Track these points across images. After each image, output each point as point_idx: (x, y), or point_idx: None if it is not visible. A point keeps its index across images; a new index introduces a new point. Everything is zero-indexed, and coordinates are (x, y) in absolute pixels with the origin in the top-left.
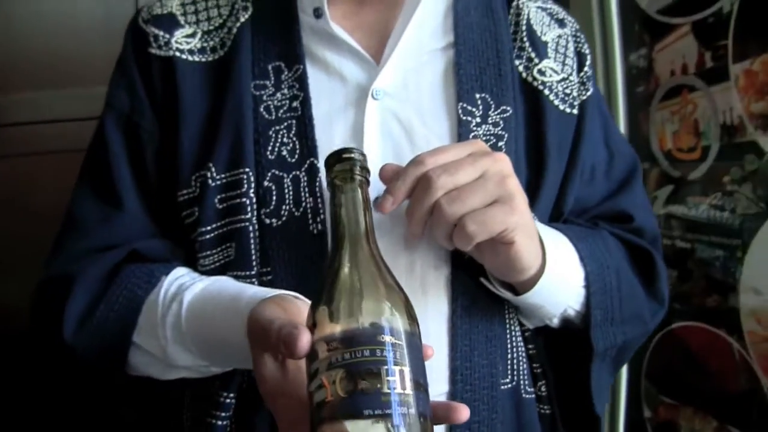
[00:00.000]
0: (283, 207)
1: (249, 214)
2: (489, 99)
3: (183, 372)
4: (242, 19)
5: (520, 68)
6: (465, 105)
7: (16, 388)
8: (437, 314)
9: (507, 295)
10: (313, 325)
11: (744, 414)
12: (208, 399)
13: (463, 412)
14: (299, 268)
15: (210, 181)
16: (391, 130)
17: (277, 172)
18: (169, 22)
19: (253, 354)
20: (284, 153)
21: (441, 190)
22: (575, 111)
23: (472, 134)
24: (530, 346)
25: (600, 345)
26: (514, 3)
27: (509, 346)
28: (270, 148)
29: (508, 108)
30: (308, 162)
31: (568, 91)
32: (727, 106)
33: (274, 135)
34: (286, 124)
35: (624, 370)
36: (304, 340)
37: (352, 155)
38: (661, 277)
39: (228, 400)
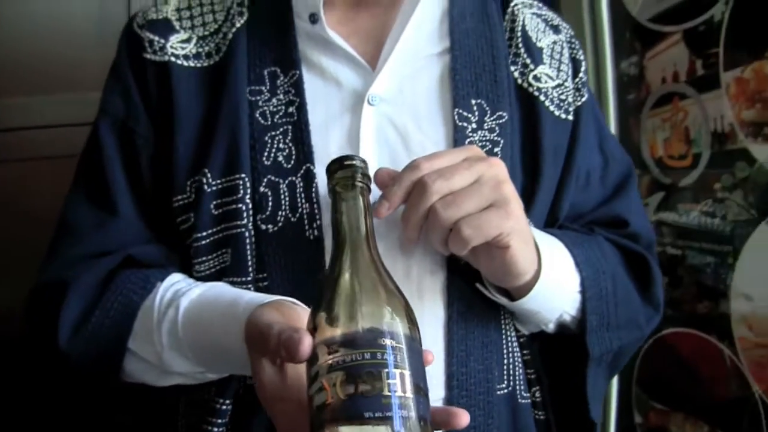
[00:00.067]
0: (280, 213)
1: (245, 220)
2: (485, 105)
3: (178, 378)
4: (238, 25)
5: (516, 74)
6: (461, 111)
7: (9, 392)
8: (433, 319)
9: (503, 300)
10: (313, 329)
11: (735, 420)
12: (204, 406)
13: (463, 418)
14: (296, 274)
15: (205, 187)
16: (387, 135)
17: (273, 178)
18: (164, 28)
19: (252, 359)
20: (280, 159)
21: (436, 195)
22: (570, 117)
23: (468, 140)
24: (525, 352)
25: (596, 350)
26: (509, 9)
27: (505, 351)
28: (266, 153)
29: (504, 114)
30: (304, 168)
31: (563, 97)
32: (718, 114)
33: (269, 140)
34: (282, 129)
35: (615, 376)
36: (306, 343)
37: (354, 162)
38: (657, 283)
39: (224, 407)
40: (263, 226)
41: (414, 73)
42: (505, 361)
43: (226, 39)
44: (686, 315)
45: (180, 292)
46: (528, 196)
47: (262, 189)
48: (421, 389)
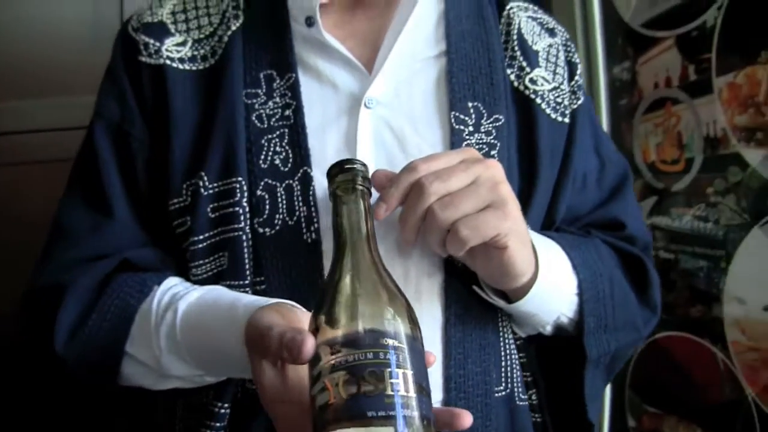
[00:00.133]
0: (277, 216)
1: (242, 224)
2: (481, 108)
3: (176, 382)
4: (233, 28)
5: (512, 77)
6: (457, 114)
7: (3, 395)
8: (431, 322)
9: (500, 303)
10: (315, 330)
11: (728, 423)
12: (202, 409)
13: (466, 419)
14: (293, 277)
15: (202, 190)
16: (384, 138)
17: (270, 181)
18: (160, 31)
19: (252, 362)
20: (277, 162)
21: (434, 196)
22: (567, 120)
23: (465, 143)
24: (521, 355)
25: (593, 352)
26: (505, 12)
27: (503, 353)
28: (263, 156)
29: (501, 117)
30: (301, 171)
31: (559, 99)
32: (711, 119)
33: (266, 144)
34: (278, 132)
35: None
36: (309, 344)
37: (354, 166)
38: (654, 285)
39: (222, 411)
40: (260, 230)
41: (410, 76)
42: (503, 364)
43: (222, 42)
44: (679, 319)
45: (178, 295)
46: (525, 199)
47: (259, 192)
48: (423, 389)
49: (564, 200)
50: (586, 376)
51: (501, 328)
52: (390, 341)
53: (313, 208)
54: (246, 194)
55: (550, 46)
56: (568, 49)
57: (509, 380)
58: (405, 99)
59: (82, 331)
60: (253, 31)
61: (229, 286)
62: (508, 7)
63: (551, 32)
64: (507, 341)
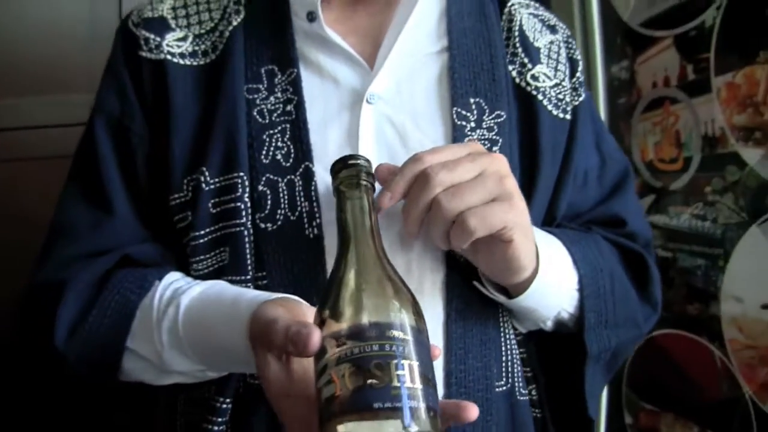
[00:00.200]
0: (279, 211)
1: (244, 219)
2: (483, 104)
3: (178, 377)
4: (234, 23)
5: (514, 73)
6: (459, 110)
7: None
8: (433, 317)
9: (500, 298)
10: (320, 324)
11: (725, 421)
12: (204, 404)
13: (472, 411)
14: (295, 273)
15: (203, 185)
16: (386, 134)
17: (271, 176)
18: (160, 26)
19: (257, 356)
20: (278, 157)
21: (440, 187)
22: (568, 116)
23: (467, 139)
24: (521, 350)
25: (594, 348)
26: (507, 9)
27: (503, 348)
28: (264, 152)
29: (503, 113)
30: (303, 166)
31: (561, 96)
32: (709, 118)
33: (268, 139)
34: (280, 128)
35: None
36: (315, 336)
37: (358, 161)
38: (654, 281)
39: (224, 406)
40: (262, 225)
41: (412, 72)
42: (504, 359)
43: (223, 37)
44: (677, 317)
45: (180, 290)
46: (526, 195)
47: (260, 187)
48: (429, 381)
49: (565, 197)
50: (586, 372)
51: (502, 324)
52: (396, 333)
53: (314, 204)
54: (247, 189)
55: (552, 42)
56: (570, 45)
57: (510, 375)
58: (407, 95)
59: (83, 327)
60: (254, 27)
61: (231, 282)
62: (509, 4)
63: (552, 29)
64: (508, 336)
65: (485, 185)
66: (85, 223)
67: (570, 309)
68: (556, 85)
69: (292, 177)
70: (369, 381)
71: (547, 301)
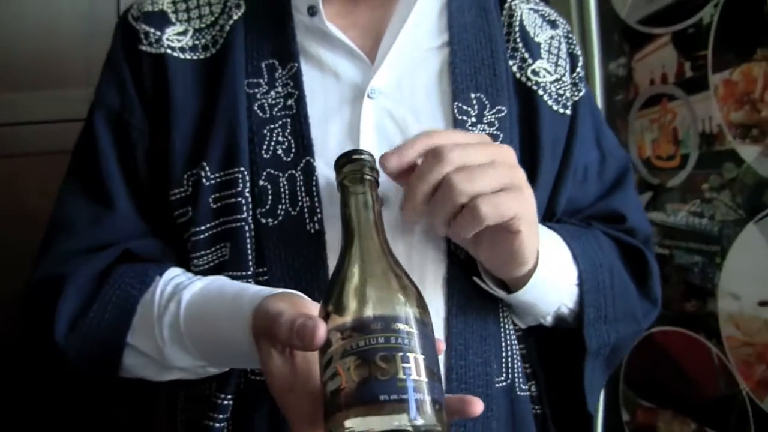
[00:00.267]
0: (279, 206)
1: (244, 214)
2: (484, 99)
3: (179, 373)
4: (235, 17)
5: (514, 68)
6: (460, 104)
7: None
8: (434, 313)
9: (500, 293)
10: (325, 317)
11: (723, 418)
12: (205, 401)
13: (477, 406)
14: (296, 268)
15: (204, 180)
16: (387, 129)
17: (272, 171)
18: (160, 20)
19: (261, 350)
20: (279, 152)
21: (452, 165)
22: (568, 111)
23: None
24: (521, 346)
25: (593, 343)
26: (507, 4)
27: (503, 344)
28: (265, 146)
29: (503, 108)
30: (304, 161)
31: (561, 91)
32: (707, 115)
33: (268, 133)
34: (280, 122)
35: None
36: (321, 330)
37: (362, 156)
38: (654, 277)
39: (225, 402)
40: (263, 220)
41: (413, 67)
42: (504, 354)
43: (223, 31)
44: (674, 314)
45: (181, 285)
46: None
47: (261, 182)
48: (434, 374)
49: (565, 192)
50: (585, 367)
51: (501, 319)
52: (401, 326)
53: (316, 199)
54: (248, 184)
55: (552, 38)
56: (570, 41)
57: (510, 371)
58: (407, 90)
59: (83, 322)
60: (254, 21)
61: (231, 277)
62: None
63: (553, 24)
64: (508, 332)
65: (497, 172)
66: (85, 218)
67: (570, 304)
68: (557, 80)
69: (293, 172)
70: (374, 373)
71: (547, 296)
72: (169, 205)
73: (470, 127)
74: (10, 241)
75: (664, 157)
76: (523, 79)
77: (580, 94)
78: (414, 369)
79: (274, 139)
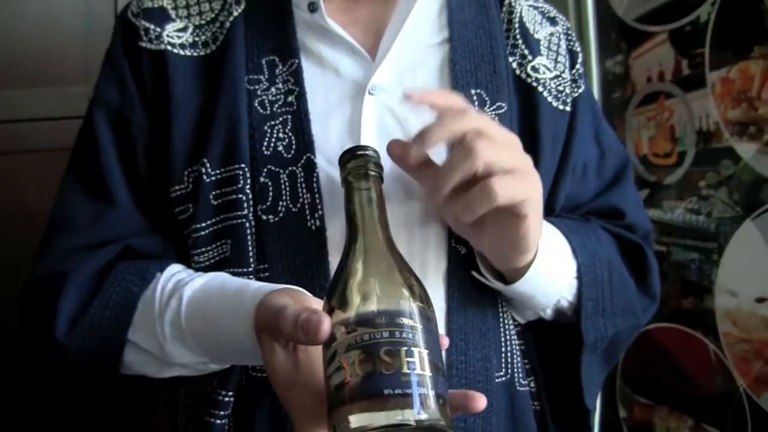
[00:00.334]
0: (280, 203)
1: (245, 211)
2: (484, 95)
3: (180, 370)
4: (235, 14)
5: (514, 65)
6: None
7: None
8: (434, 308)
9: (498, 285)
10: (329, 311)
11: (720, 414)
12: (206, 397)
13: (480, 401)
14: (297, 265)
15: (204, 177)
16: (387, 125)
17: (273, 168)
18: (160, 16)
19: (263, 345)
20: (280, 148)
21: (473, 125)
22: (568, 108)
23: None
24: (521, 342)
25: (590, 336)
26: (507, 1)
27: (503, 339)
28: (265, 143)
29: (503, 104)
30: (305, 157)
31: (561, 88)
32: (704, 113)
33: (269, 130)
34: (281, 119)
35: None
36: (326, 324)
37: (366, 152)
38: (653, 273)
39: (226, 399)
40: (264, 217)
41: (414, 63)
42: (503, 350)
43: (224, 28)
44: (671, 310)
45: (182, 282)
46: None
47: (262, 179)
48: (438, 368)
49: (564, 188)
50: (583, 360)
51: (501, 315)
52: (405, 321)
53: (317, 195)
54: (249, 181)
55: (552, 34)
56: (569, 37)
57: (509, 366)
58: (408, 86)
59: (84, 319)
60: (255, 17)
61: (232, 274)
62: None
63: (552, 21)
64: (507, 328)
65: (514, 152)
66: (85, 215)
67: (569, 297)
68: (557, 76)
69: (294, 168)
70: (379, 368)
71: (546, 288)
72: (169, 201)
73: None
74: (10, 238)
75: (662, 154)
76: (523, 75)
77: (580, 90)
78: (418, 363)
79: (275, 135)
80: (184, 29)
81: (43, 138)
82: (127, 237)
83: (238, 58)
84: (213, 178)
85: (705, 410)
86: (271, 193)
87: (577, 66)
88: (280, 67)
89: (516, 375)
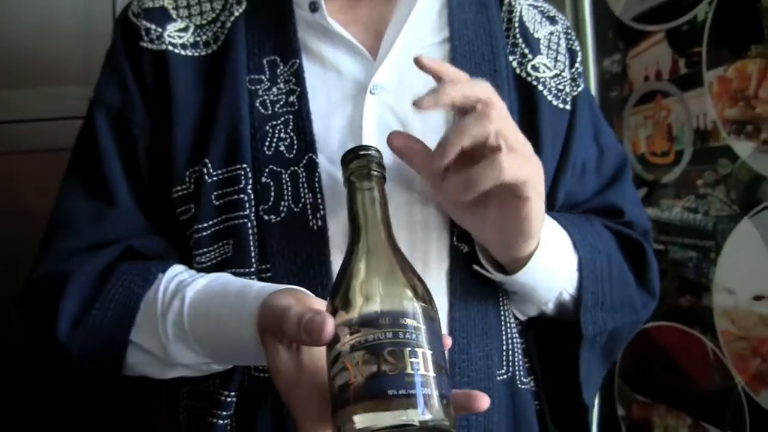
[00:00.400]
0: (282, 203)
1: (247, 211)
2: None
3: (182, 371)
4: (236, 14)
5: (514, 64)
6: None
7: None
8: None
9: (500, 276)
10: (332, 313)
11: (718, 411)
12: (208, 398)
13: (483, 401)
14: (299, 265)
15: (206, 177)
16: (389, 124)
17: (274, 168)
18: (161, 16)
19: (267, 346)
20: (282, 148)
21: (486, 95)
22: (568, 107)
23: None
24: (522, 340)
25: (589, 329)
26: (506, 0)
27: (504, 338)
28: (267, 143)
29: (503, 103)
30: (307, 157)
31: (560, 87)
32: (701, 112)
33: (270, 130)
34: (282, 119)
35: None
36: (330, 325)
37: (369, 152)
38: (653, 269)
39: (228, 399)
40: (266, 217)
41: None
42: (504, 348)
43: (225, 28)
44: (669, 309)
45: (184, 282)
46: None
47: (263, 179)
48: (442, 368)
49: (563, 187)
50: (581, 354)
51: (503, 313)
52: (409, 321)
53: (318, 195)
54: (251, 181)
55: (551, 33)
56: (569, 36)
57: (510, 364)
58: (409, 85)
59: (86, 320)
60: (256, 17)
61: (235, 274)
62: None
63: (552, 20)
64: (509, 326)
65: (519, 134)
66: (86, 215)
67: (571, 290)
68: (556, 75)
69: (296, 168)
70: (383, 368)
71: (547, 280)
72: (171, 202)
73: None
74: (9, 238)
75: (659, 153)
76: (523, 74)
77: (579, 89)
78: (422, 364)
79: (276, 135)
80: (185, 29)
81: (43, 138)
82: (128, 238)
83: (239, 58)
84: (215, 178)
85: (703, 408)
86: (272, 193)
87: (577, 65)
88: (282, 67)
89: (517, 373)
